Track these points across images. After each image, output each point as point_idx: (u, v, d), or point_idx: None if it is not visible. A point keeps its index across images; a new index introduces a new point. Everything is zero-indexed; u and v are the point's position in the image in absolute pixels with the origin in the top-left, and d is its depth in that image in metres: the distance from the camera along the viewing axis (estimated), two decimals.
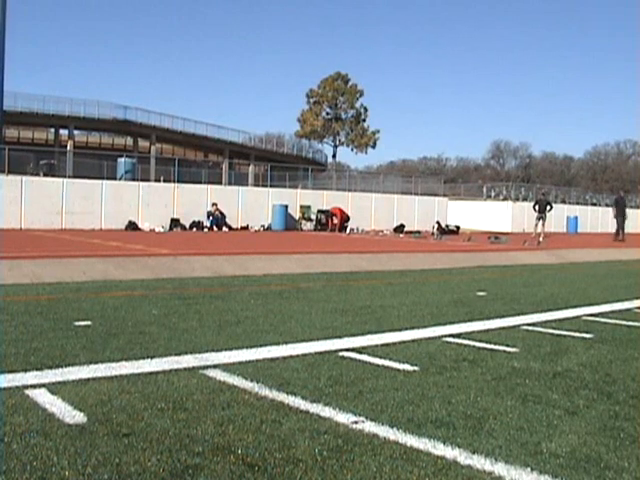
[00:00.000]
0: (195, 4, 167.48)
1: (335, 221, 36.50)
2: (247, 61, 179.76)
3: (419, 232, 35.78)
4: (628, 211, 37.21)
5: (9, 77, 48.86)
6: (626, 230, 35.39)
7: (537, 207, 33.55)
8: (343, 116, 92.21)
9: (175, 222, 31.28)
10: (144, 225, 30.18)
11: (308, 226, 35.52)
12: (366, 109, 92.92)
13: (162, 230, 29.96)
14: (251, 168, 73.52)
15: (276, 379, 5.81)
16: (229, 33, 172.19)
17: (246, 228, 33.49)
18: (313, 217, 36.22)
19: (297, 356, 6.79)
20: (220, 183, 45.87)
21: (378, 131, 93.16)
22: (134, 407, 4.91)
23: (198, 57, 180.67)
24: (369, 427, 4.63)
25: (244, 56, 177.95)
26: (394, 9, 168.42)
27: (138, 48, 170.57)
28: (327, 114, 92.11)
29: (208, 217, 32.49)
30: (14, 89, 59.63)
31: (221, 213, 32.60)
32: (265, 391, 5.43)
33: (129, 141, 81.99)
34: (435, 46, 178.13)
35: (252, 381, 5.70)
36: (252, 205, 34.13)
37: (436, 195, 46.97)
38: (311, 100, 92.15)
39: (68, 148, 66.07)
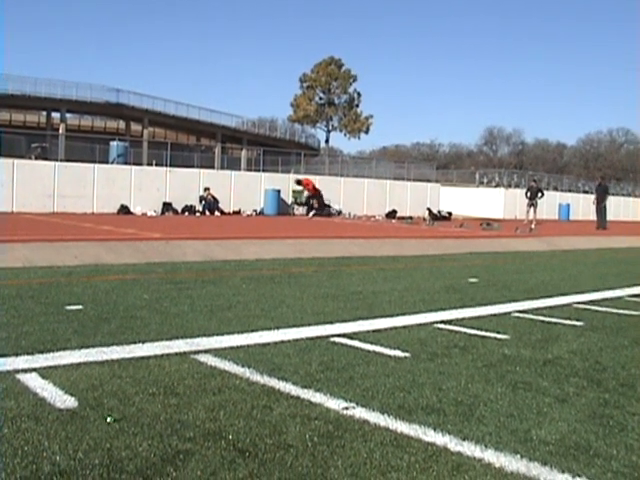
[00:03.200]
0: None
1: (308, 194, 35.70)
2: (240, 45, 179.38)
3: (411, 218, 35.81)
4: (620, 199, 37.10)
5: (1, 60, 48.78)
6: (618, 218, 35.38)
7: (529, 194, 33.60)
8: (336, 101, 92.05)
9: (167, 206, 31.23)
10: (136, 209, 30.12)
11: (300, 210, 35.48)
12: (359, 94, 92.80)
13: (154, 214, 29.91)
14: (244, 152, 73.40)
15: (267, 364, 5.82)
16: (223, 17, 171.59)
17: (238, 213, 33.45)
18: (305, 201, 36.21)
19: (288, 341, 6.81)
20: (212, 167, 45.80)
21: (371, 116, 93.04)
22: (125, 392, 4.92)
23: (191, 40, 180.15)
24: (360, 413, 4.64)
25: (237, 40, 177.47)
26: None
27: (131, 30, 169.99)
28: (320, 99, 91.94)
29: (200, 201, 32.44)
30: (5, 71, 59.41)
31: (213, 197, 32.55)
32: (256, 376, 5.44)
33: (121, 125, 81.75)
34: (428, 32, 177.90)
35: (243, 366, 5.71)
36: (244, 189, 34.08)
37: (428, 181, 46.98)
38: (304, 85, 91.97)
39: (60, 131, 65.83)
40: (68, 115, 75.43)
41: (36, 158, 36.76)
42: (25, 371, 5.37)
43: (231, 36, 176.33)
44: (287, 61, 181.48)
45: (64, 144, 49.84)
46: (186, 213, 31.43)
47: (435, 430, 4.35)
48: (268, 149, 58.83)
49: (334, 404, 4.82)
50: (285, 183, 35.68)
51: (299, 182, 35.13)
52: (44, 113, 79.06)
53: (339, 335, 7.17)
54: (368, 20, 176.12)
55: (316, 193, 35.13)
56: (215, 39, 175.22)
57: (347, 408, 4.73)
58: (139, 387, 5.05)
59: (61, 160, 36.36)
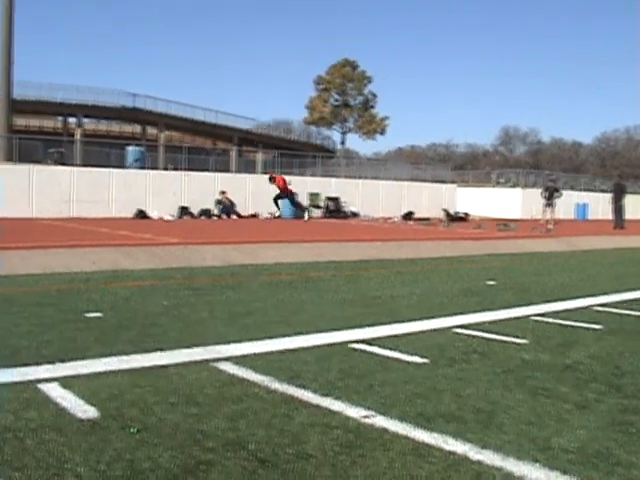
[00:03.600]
0: None
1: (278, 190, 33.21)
2: (255, 48, 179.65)
3: (428, 219, 35.72)
4: (638, 197, 36.84)
5: (17, 65, 48.98)
6: (636, 217, 35.17)
7: (546, 194, 33.45)
8: (351, 103, 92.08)
9: (184, 210, 31.27)
10: (153, 213, 30.18)
11: (317, 213, 35.45)
12: (375, 95, 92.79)
13: (171, 218, 29.97)
14: (260, 155, 73.48)
15: (286, 372, 5.84)
16: (237, 20, 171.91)
17: (255, 216, 33.47)
18: (322, 204, 36.16)
19: (307, 348, 6.82)
20: (229, 170, 45.90)
21: (387, 118, 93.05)
22: (146, 401, 4.94)
23: (206, 44, 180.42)
24: (379, 421, 4.65)
25: (252, 43, 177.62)
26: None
27: (146, 35, 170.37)
28: (336, 101, 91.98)
29: (217, 205, 32.49)
30: (23, 77, 59.65)
31: (230, 201, 32.58)
32: (276, 384, 5.46)
33: (137, 129, 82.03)
34: (444, 32, 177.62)
35: (263, 374, 5.72)
36: (261, 192, 34.06)
37: (444, 182, 46.90)
38: (319, 87, 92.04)
39: (77, 137, 66.14)
40: (84, 120, 75.77)
41: (54, 163, 36.93)
42: (46, 381, 5.40)
43: (245, 39, 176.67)
44: (302, 63, 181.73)
45: (81, 149, 50.06)
46: (203, 217, 31.48)
47: (455, 438, 4.36)
48: (284, 152, 58.89)
49: (354, 412, 4.83)
50: (301, 186, 35.66)
51: (272, 179, 33.68)
52: (60, 118, 79.45)
53: (358, 341, 7.17)
54: (383, 21, 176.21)
55: (286, 191, 33.38)
56: (230, 42, 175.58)
57: (367, 416, 4.74)
58: (159, 396, 5.08)
59: (78, 165, 36.54)
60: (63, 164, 36.27)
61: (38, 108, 69.55)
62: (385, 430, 4.49)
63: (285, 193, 32.98)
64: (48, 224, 23.55)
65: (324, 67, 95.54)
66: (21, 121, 71.33)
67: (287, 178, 34.08)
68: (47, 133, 72.94)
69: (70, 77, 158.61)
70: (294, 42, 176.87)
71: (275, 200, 32.85)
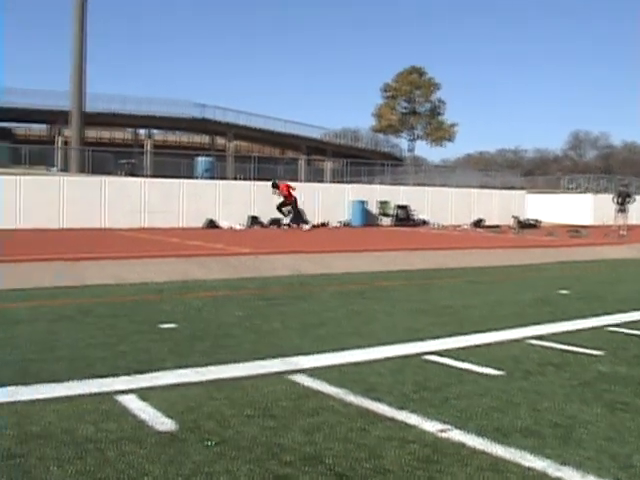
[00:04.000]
0: (267, 2, 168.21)
1: (282, 198, 31.33)
2: (322, 57, 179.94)
3: (498, 226, 35.39)
4: None
5: (88, 78, 49.83)
6: None
7: (618, 199, 32.86)
8: (419, 110, 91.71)
9: (254, 220, 31.44)
10: (223, 223, 30.40)
11: (387, 221, 35.35)
12: (443, 102, 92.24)
13: (241, 228, 30.17)
14: (328, 164, 73.58)
15: (361, 384, 5.83)
16: (304, 29, 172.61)
17: (325, 225, 33.51)
18: (392, 212, 36.01)
19: (381, 360, 6.81)
20: (297, 179, 46.02)
21: (456, 124, 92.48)
22: (222, 414, 4.98)
23: (273, 54, 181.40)
24: (456, 436, 4.62)
25: (319, 52, 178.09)
26: (467, 2, 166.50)
27: (214, 46, 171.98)
28: (404, 108, 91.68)
29: (287, 214, 32.55)
30: (94, 90, 60.58)
31: (300, 210, 32.61)
32: (351, 397, 5.45)
33: (206, 139, 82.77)
34: (511, 37, 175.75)
35: (338, 387, 5.73)
36: (330, 201, 34.07)
37: (514, 188, 46.40)
38: (386, 94, 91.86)
39: (147, 148, 67.05)
40: (154, 131, 76.77)
41: (125, 174, 37.48)
42: (124, 392, 5.49)
43: (312, 49, 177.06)
44: (368, 71, 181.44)
45: (151, 160, 50.73)
46: (273, 226, 31.60)
47: (533, 454, 4.31)
48: (353, 160, 58.89)
49: (430, 426, 4.80)
50: (371, 194, 35.59)
51: (275, 185, 31.88)
52: (130, 130, 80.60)
53: (431, 353, 7.13)
54: (450, 27, 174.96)
55: (291, 199, 31.57)
56: (297, 52, 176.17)
57: (443, 430, 4.72)
58: (236, 409, 5.11)
59: (148, 176, 37.01)
60: (134, 175, 36.80)
61: (109, 120, 70.57)
62: (462, 445, 4.46)
63: (290, 200, 31.61)
64: (120, 235, 23.88)
65: (391, 74, 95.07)
66: (92, 133, 72.55)
67: (292, 184, 32.87)
68: (118, 145, 74.10)
69: (140, 89, 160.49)
70: (361, 50, 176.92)
71: (279, 208, 31.46)
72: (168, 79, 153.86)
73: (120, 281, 12.70)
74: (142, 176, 36.35)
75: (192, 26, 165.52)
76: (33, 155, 38.54)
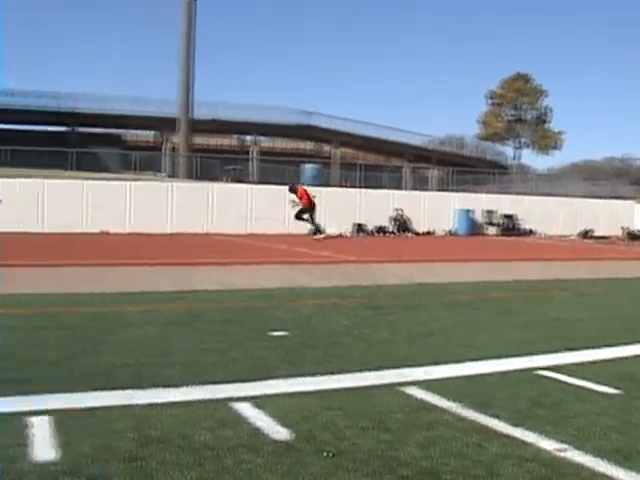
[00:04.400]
0: (371, 8, 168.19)
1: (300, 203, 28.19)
2: (426, 63, 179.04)
3: (606, 237, 34.57)
4: None
5: (196, 86, 50.81)
6: None
7: None
8: (525, 117, 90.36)
9: (359, 227, 31.49)
10: (329, 230, 30.49)
11: (493, 231, 34.93)
12: (550, 110, 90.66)
13: (346, 235, 30.21)
14: (433, 172, 73.11)
15: (475, 399, 5.72)
16: (408, 36, 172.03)
17: (430, 233, 33.31)
18: (498, 221, 35.53)
19: (493, 374, 6.69)
20: (401, 187, 45.85)
21: (563, 132, 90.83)
22: (337, 425, 4.95)
23: (377, 61, 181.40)
24: (575, 456, 4.48)
25: (422, 58, 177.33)
26: (574, 9, 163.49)
27: (320, 54, 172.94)
28: (512, 116, 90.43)
29: (392, 222, 32.48)
30: (200, 98, 61.50)
31: (405, 218, 32.52)
32: (465, 412, 5.36)
33: (311, 146, 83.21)
34: (617, 43, 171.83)
35: (452, 400, 5.63)
36: (435, 209, 33.85)
37: (621, 198, 45.21)
38: (492, 101, 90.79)
39: (253, 154, 67.79)
40: (260, 138, 77.54)
41: (231, 181, 37.99)
42: (238, 400, 5.51)
43: (417, 55, 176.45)
44: (473, 77, 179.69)
45: (257, 166, 51.28)
46: (378, 234, 31.56)
47: None
48: (458, 168, 58.34)
49: (547, 445, 4.67)
50: (476, 203, 35.22)
51: (293, 190, 28.66)
52: (236, 137, 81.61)
53: (544, 368, 6.95)
54: (557, 35, 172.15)
55: (312, 204, 28.30)
56: (400, 59, 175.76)
57: (561, 450, 4.58)
58: (350, 420, 5.08)
59: (254, 182, 37.40)
60: (239, 181, 37.26)
61: (215, 127, 71.56)
62: (581, 466, 4.32)
63: (310, 207, 28.17)
64: (226, 240, 24.21)
65: (496, 81, 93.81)
66: (199, 140, 73.76)
67: (309, 189, 29.36)
68: (224, 152, 75.04)
69: (246, 96, 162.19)
70: (465, 57, 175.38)
71: (298, 216, 28.16)
72: (273, 86, 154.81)
73: (229, 287, 12.81)
74: (248, 182, 36.78)
75: (297, 32, 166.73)
76: (142, 161, 39.39)
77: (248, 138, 77.36)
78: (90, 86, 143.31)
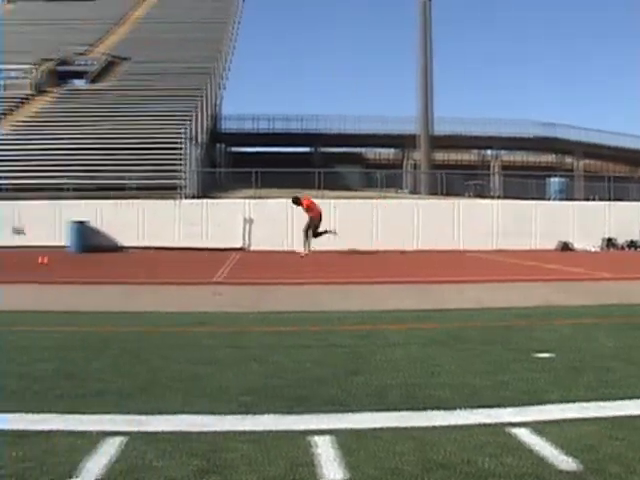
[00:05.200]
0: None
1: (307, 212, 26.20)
2: None
3: None
4: None
5: (435, 103, 50.97)
6: None
7: None
8: None
9: (609, 241, 30.40)
10: (577, 245, 29.64)
11: None
12: None
13: (596, 250, 29.25)
14: None
15: None
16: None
17: None
18: None
19: None
20: None
21: None
22: (626, 457, 4.71)
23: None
24: None
25: None
26: None
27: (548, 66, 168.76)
28: None
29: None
30: (438, 114, 61.51)
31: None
32: None
33: (551, 158, 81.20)
34: None
35: None
36: None
37: None
38: None
39: (495, 169, 67.09)
40: (500, 152, 76.60)
41: (473, 196, 37.74)
42: (515, 425, 5.38)
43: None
44: None
45: (499, 181, 50.66)
46: (629, 249, 30.29)
47: None
48: None
49: None
50: None
51: (296, 202, 26.53)
52: (475, 151, 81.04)
53: None
54: None
55: (319, 217, 25.92)
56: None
57: None
58: (638, 452, 4.82)
59: (499, 197, 36.96)
60: (481, 196, 36.95)
61: (454, 142, 71.41)
62: None
63: (318, 219, 25.81)
64: (473, 257, 24.03)
65: None
66: (439, 156, 73.91)
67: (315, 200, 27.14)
68: (464, 167, 74.80)
69: (481, 111, 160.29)
70: None
71: (314, 232, 25.84)
72: (517, 100, 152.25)
73: (482, 305, 12.67)
74: (491, 197, 36.41)
75: (521, 49, 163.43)
76: (385, 179, 39.92)
77: (489, 152, 76.61)
78: (327, 106, 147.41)
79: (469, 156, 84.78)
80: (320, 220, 25.71)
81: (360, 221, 28.17)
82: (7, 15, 71.30)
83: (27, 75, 49.27)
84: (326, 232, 25.76)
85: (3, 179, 32.47)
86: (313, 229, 25.74)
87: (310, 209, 25.93)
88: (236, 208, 28.53)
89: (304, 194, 27.75)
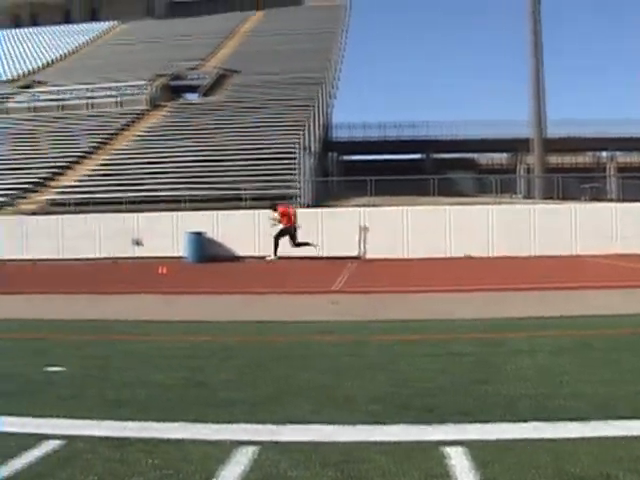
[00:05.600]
0: None
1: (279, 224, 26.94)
2: None
3: None
4: None
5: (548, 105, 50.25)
6: None
7: None
8: None
9: None
10: None
11: None
12: None
13: None
14: None
15: None
16: None
17: None
18: None
19: None
20: None
21: None
22: None
23: None
24: None
25: None
26: None
27: None
28: None
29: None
30: (557, 116, 60.53)
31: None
32: None
33: None
34: None
35: None
36: None
37: None
38: None
39: (610, 171, 65.58)
40: (617, 153, 74.81)
41: (589, 199, 36.93)
42: None
43: None
44: None
45: (617, 183, 49.49)
46: None
47: None
48: None
49: None
50: None
51: (273, 207, 27.46)
52: (590, 153, 79.35)
53: None
54: None
55: (292, 225, 26.79)
56: None
57: None
58: None
59: (615, 200, 36.06)
60: (597, 200, 36.14)
61: (567, 145, 70.14)
62: None
63: (292, 226, 26.74)
64: (596, 262, 23.49)
65: None
66: (553, 159, 72.67)
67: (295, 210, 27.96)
68: (579, 170, 73.32)
69: (594, 112, 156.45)
70: None
71: (277, 238, 26.93)
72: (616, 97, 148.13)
73: (608, 312, 12.33)
74: (609, 200, 35.54)
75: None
76: (499, 183, 39.44)
77: (604, 154, 74.90)
78: (438, 112, 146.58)
79: (583, 158, 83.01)
80: (295, 230, 26.70)
81: (475, 227, 27.90)
82: (121, 35, 73.67)
83: (142, 91, 50.65)
84: (307, 244, 26.56)
85: (122, 192, 33.41)
86: (291, 237, 26.75)
87: (282, 216, 26.85)
88: (351, 216, 28.59)
89: (284, 204, 28.46)
